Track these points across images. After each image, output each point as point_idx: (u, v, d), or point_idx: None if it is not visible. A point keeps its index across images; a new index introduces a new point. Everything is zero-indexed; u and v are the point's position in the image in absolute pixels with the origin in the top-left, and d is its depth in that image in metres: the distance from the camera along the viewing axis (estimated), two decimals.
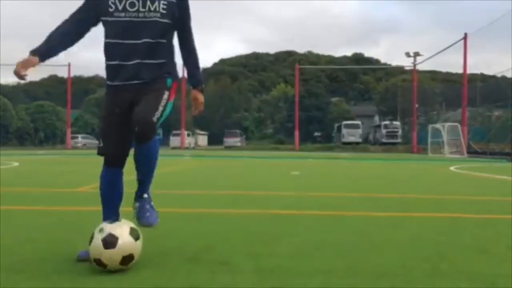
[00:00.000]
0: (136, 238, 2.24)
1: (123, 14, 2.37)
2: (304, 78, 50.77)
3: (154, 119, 2.34)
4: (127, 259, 2.16)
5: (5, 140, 43.37)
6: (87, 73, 79.67)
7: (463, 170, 11.59)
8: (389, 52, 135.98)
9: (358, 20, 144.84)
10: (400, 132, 41.79)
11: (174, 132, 45.12)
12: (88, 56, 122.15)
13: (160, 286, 2.00)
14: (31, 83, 77.71)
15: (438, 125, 28.67)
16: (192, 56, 2.60)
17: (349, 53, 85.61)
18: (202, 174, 9.87)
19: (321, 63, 72.25)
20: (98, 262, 2.14)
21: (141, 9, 2.37)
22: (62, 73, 56.14)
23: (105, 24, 2.43)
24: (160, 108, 2.37)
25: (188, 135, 45.19)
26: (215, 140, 45.43)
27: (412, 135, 34.93)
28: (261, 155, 21.29)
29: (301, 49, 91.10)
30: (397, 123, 43.38)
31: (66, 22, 2.47)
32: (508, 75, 35.06)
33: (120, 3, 2.37)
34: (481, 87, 35.42)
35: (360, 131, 42.72)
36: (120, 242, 2.15)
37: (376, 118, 54.78)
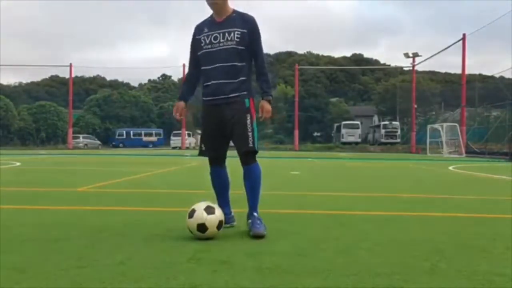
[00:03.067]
0: (219, 228, 2.94)
1: (209, 46, 3.10)
2: (304, 78, 50.84)
3: (251, 145, 3.11)
4: (219, 226, 2.91)
5: (7, 140, 43.41)
6: (88, 73, 79.67)
7: (462, 170, 11.61)
8: (388, 53, 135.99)
9: (357, 21, 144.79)
10: (399, 132, 41.84)
11: (175, 132, 45.14)
12: (90, 57, 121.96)
13: (160, 286, 2.01)
14: (33, 83, 77.74)
15: (437, 125, 28.71)
16: (262, 74, 3.21)
17: (348, 53, 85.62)
18: (202, 174, 9.86)
19: (320, 63, 72.25)
20: (191, 231, 2.90)
21: (221, 40, 3.07)
22: (64, 73, 56.07)
23: (200, 56, 3.17)
24: (250, 135, 3.11)
25: (189, 135, 45.17)
26: None
27: (411, 135, 34.97)
28: (260, 155, 21.26)
29: (300, 49, 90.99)
30: (396, 123, 43.42)
31: (189, 66, 3.34)
32: (507, 75, 35.12)
33: (208, 38, 3.11)
34: (480, 87, 35.46)
35: (359, 131, 42.75)
36: (208, 231, 2.88)
37: (375, 118, 54.83)
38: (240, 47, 3.07)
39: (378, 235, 3.16)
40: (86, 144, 44.13)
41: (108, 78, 79.77)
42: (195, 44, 3.19)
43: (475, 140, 28.75)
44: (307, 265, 2.35)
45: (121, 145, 47.16)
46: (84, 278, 2.09)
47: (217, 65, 3.07)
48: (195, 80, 3.32)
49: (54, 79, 76.77)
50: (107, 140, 50.12)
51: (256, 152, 3.15)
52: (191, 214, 2.89)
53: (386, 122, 44.33)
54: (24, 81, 79.95)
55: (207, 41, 3.10)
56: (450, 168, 12.55)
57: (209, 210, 2.89)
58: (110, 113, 54.41)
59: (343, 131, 41.99)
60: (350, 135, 41.45)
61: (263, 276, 2.16)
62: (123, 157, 19.85)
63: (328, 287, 2.03)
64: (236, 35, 3.05)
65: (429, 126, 29.46)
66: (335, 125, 47.17)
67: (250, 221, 3.10)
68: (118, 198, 5.41)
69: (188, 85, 3.34)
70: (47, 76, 78.94)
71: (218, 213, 2.92)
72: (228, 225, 3.20)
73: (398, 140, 40.44)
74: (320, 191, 6.42)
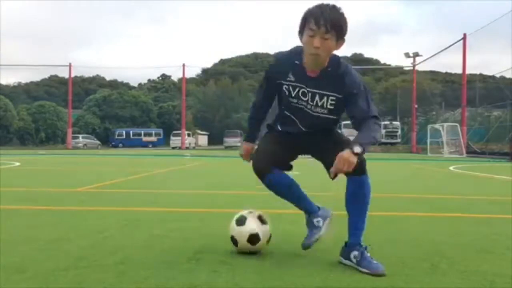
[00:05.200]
0: (266, 223, 2.64)
1: (295, 101, 2.43)
2: None
3: (360, 151, 2.36)
4: (268, 240, 2.60)
5: (6, 140, 43.43)
6: (87, 73, 79.69)
7: (463, 170, 11.60)
8: (388, 53, 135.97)
9: (357, 21, 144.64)
10: (399, 132, 41.82)
11: (175, 132, 45.15)
12: (89, 57, 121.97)
13: (160, 286, 2.00)
14: (32, 83, 77.81)
15: (437, 125, 28.69)
16: (365, 127, 2.49)
17: (348, 53, 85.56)
18: (202, 174, 9.87)
19: None
20: (235, 243, 2.55)
21: (310, 102, 2.40)
22: (63, 73, 56.14)
23: (283, 103, 2.51)
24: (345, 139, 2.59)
25: (189, 135, 45.20)
26: (215, 140, 45.48)
27: (411, 135, 34.96)
28: None
29: None
30: (396, 123, 43.40)
31: (259, 101, 2.65)
32: (507, 75, 35.05)
33: (294, 89, 2.40)
34: (480, 87, 35.46)
35: None
36: (259, 243, 2.55)
37: None
38: (330, 116, 2.49)
39: (378, 235, 3.16)
40: (85, 144, 44.14)
41: (107, 78, 79.78)
42: (275, 85, 2.46)
43: (476, 140, 28.75)
44: (307, 265, 2.35)
45: (120, 145, 47.18)
46: (84, 278, 2.09)
47: (302, 122, 2.51)
48: (263, 115, 2.67)
49: (54, 79, 76.79)
50: (107, 140, 50.14)
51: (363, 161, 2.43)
52: (241, 221, 2.54)
53: (387, 122, 44.29)
54: (23, 81, 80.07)
55: (293, 94, 2.41)
56: (451, 168, 12.54)
57: (262, 220, 2.61)
58: (109, 113, 54.43)
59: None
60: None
61: (263, 276, 2.15)
62: (123, 157, 19.85)
63: (328, 287, 2.03)
64: (330, 101, 2.39)
65: (429, 126, 29.45)
66: None
67: (356, 253, 2.35)
68: (118, 198, 5.41)
69: (257, 122, 2.69)
70: (46, 76, 79.04)
71: (269, 224, 2.64)
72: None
73: (399, 140, 40.43)
74: (320, 191, 6.42)
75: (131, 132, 50.31)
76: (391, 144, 38.41)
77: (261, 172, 2.54)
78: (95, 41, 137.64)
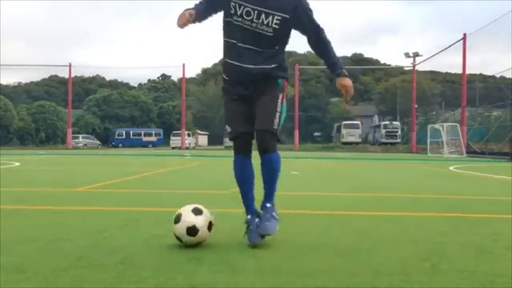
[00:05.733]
0: (210, 229, 2.72)
1: (240, 19, 2.54)
2: (304, 78, 50.78)
3: (275, 126, 2.62)
4: (200, 243, 2.68)
5: (6, 140, 43.41)
6: (87, 73, 79.72)
7: (462, 170, 11.60)
8: (388, 53, 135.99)
9: (357, 21, 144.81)
10: (399, 132, 41.84)
11: (174, 132, 45.17)
12: (89, 57, 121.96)
13: (160, 286, 2.00)
14: (32, 83, 77.81)
15: (437, 125, 28.68)
16: (327, 48, 2.70)
17: (348, 53, 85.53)
18: (202, 174, 9.87)
19: (321, 63, 71.89)
20: (179, 239, 2.67)
21: (254, 20, 2.51)
22: (63, 73, 56.12)
23: (226, 23, 2.63)
24: (277, 114, 2.62)
25: (189, 135, 45.20)
26: (215, 140, 45.48)
27: (411, 135, 34.95)
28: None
29: (301, 49, 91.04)
30: (396, 123, 43.42)
31: (200, 3, 2.67)
32: (507, 75, 35.11)
33: (239, 8, 2.53)
34: (480, 87, 35.45)
35: (359, 131, 42.76)
36: (199, 234, 2.65)
37: (376, 118, 54.83)
38: (277, 35, 2.55)
39: (378, 235, 3.16)
40: (85, 144, 44.16)
41: (107, 78, 79.82)
42: (223, 1, 2.58)
43: (476, 140, 28.75)
44: (307, 265, 2.35)
45: (120, 145, 47.20)
46: (84, 278, 2.09)
47: (247, 46, 2.57)
48: (204, 14, 2.66)
49: (54, 79, 76.79)
50: (107, 140, 50.15)
51: (276, 138, 2.68)
52: (177, 219, 2.67)
53: (387, 122, 44.34)
54: (23, 81, 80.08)
55: (238, 12, 2.52)
56: (451, 168, 12.54)
57: (197, 211, 2.71)
58: (109, 113, 54.42)
59: (343, 131, 41.99)
60: (350, 135, 41.45)
61: (263, 276, 2.15)
62: (123, 157, 19.85)
63: (328, 287, 2.03)
64: (275, 21, 2.50)
65: (429, 126, 29.45)
66: (335, 125, 47.18)
67: (261, 212, 2.77)
68: (118, 198, 5.41)
69: (199, 11, 2.62)
70: (46, 76, 79.05)
71: (207, 213, 2.73)
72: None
73: (399, 140, 40.45)
74: (320, 191, 6.42)
75: (131, 132, 50.32)
76: (391, 144, 38.43)
77: (240, 148, 2.79)
78: (95, 41, 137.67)
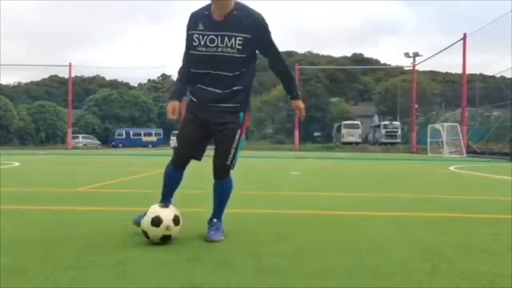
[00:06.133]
0: (177, 224, 2.75)
1: (204, 49, 2.70)
2: (304, 78, 50.76)
3: (228, 162, 2.86)
4: (166, 237, 2.70)
5: (6, 140, 43.39)
6: (88, 73, 79.70)
7: (463, 170, 11.60)
8: (388, 53, 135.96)
9: (358, 21, 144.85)
10: (399, 132, 41.81)
11: (174, 132, 45.07)
12: (89, 57, 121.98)
13: (160, 286, 2.00)
14: (32, 83, 77.81)
15: (437, 125, 28.69)
16: (285, 74, 2.96)
17: (348, 53, 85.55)
18: (202, 174, 9.86)
19: (321, 63, 72.18)
20: (144, 233, 2.72)
21: (219, 45, 2.67)
22: (63, 73, 56.19)
23: (190, 55, 2.79)
24: (233, 151, 2.84)
25: None
26: None
27: (411, 135, 34.94)
28: (261, 155, 21.30)
29: (301, 49, 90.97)
30: (396, 123, 43.39)
31: (182, 62, 2.92)
32: (507, 75, 35.12)
33: (203, 38, 2.69)
34: (480, 87, 35.44)
35: (359, 131, 42.73)
36: (163, 224, 2.68)
37: (376, 118, 54.80)
38: (240, 56, 2.69)
39: (378, 236, 3.16)
40: (85, 144, 44.14)
41: (107, 78, 79.75)
42: (188, 39, 2.77)
43: (476, 140, 28.74)
44: (307, 266, 2.35)
45: (120, 145, 47.17)
46: (84, 278, 2.09)
47: (212, 72, 2.73)
48: (189, 77, 2.93)
49: (54, 78, 76.76)
50: (107, 140, 50.14)
51: (229, 171, 2.93)
52: (144, 213, 2.78)
53: (387, 122, 44.29)
54: (23, 81, 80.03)
55: (202, 43, 2.68)
56: (451, 168, 12.54)
57: (163, 206, 2.83)
58: (109, 113, 54.40)
59: (344, 131, 41.97)
60: (350, 135, 41.43)
61: (263, 276, 2.15)
62: (123, 157, 19.85)
63: (328, 287, 2.02)
64: (237, 42, 2.64)
65: (429, 126, 29.45)
66: (335, 125, 47.14)
67: (208, 225, 3.00)
68: (118, 198, 5.41)
69: (183, 84, 2.91)
70: (46, 76, 79.00)
71: (174, 209, 2.81)
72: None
73: (399, 140, 40.42)
74: (320, 191, 6.42)
75: (131, 132, 50.29)
76: (391, 144, 38.41)
77: (177, 163, 2.98)
78: (95, 41, 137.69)
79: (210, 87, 2.78)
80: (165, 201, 3.02)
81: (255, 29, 2.69)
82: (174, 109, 2.90)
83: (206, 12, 2.70)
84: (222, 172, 2.90)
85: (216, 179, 2.94)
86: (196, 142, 2.92)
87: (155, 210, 2.74)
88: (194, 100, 2.89)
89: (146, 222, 2.70)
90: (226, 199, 3.03)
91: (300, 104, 3.02)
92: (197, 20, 2.72)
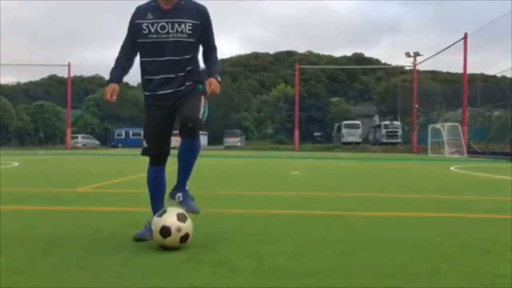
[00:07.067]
0: (185, 220, 2.64)
1: (155, 36, 2.81)
2: (304, 78, 50.76)
3: (200, 116, 2.79)
4: (184, 238, 2.61)
5: (5, 140, 43.37)
6: (87, 73, 79.68)
7: (464, 170, 11.59)
8: (389, 52, 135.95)
9: (358, 20, 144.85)
10: (400, 132, 41.77)
11: (174, 132, 45.06)
12: (88, 56, 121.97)
13: (160, 286, 2.00)
14: (31, 83, 77.80)
15: (438, 125, 28.65)
16: (212, 61, 3.00)
17: (349, 53, 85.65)
18: (202, 174, 9.86)
19: (321, 63, 72.23)
20: (164, 247, 2.61)
21: (170, 31, 2.79)
22: (62, 73, 56.23)
23: (141, 44, 2.87)
24: (202, 108, 2.82)
25: None
26: (215, 140, 45.38)
27: (412, 135, 34.92)
28: (261, 155, 21.30)
29: (301, 49, 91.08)
30: (397, 123, 43.35)
31: (122, 49, 2.99)
32: (508, 75, 35.06)
33: (153, 26, 2.81)
34: (481, 87, 35.42)
35: (360, 131, 42.71)
36: (173, 229, 2.58)
37: (376, 118, 54.80)
38: (190, 40, 2.84)
39: (378, 236, 3.15)
40: (84, 144, 44.11)
41: (107, 78, 79.47)
42: (135, 29, 2.87)
43: (477, 140, 28.70)
44: (307, 265, 2.34)
45: (120, 145, 47.13)
46: (84, 278, 2.09)
47: (165, 58, 2.82)
48: (129, 63, 3.00)
49: (53, 78, 76.69)
50: (106, 140, 50.13)
51: (200, 125, 2.81)
52: (161, 214, 2.67)
53: (387, 122, 44.25)
54: (22, 81, 79.89)
55: (152, 30, 2.81)
56: (452, 168, 12.53)
57: (181, 217, 2.64)
58: (109, 113, 54.40)
59: (344, 131, 41.95)
60: (350, 135, 41.42)
61: (263, 277, 2.15)
62: (123, 157, 19.85)
63: (328, 287, 2.02)
64: (187, 27, 2.81)
65: (430, 126, 29.41)
66: (336, 125, 47.12)
67: (179, 194, 2.88)
68: (118, 198, 5.41)
69: (121, 70, 2.97)
70: (45, 75, 78.90)
71: (189, 223, 2.65)
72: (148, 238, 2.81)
73: (399, 140, 40.38)
74: (320, 191, 6.42)
75: (130, 132, 50.22)
76: (392, 144, 38.37)
77: (153, 159, 2.95)
78: (94, 41, 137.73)
79: (165, 74, 2.84)
80: (156, 210, 2.87)
81: (202, 16, 2.89)
82: (113, 91, 2.91)
83: (153, 4, 2.89)
84: (195, 125, 2.76)
85: (188, 137, 2.78)
86: (164, 135, 2.94)
87: (157, 222, 2.63)
88: (148, 93, 2.92)
89: (158, 239, 2.61)
90: (194, 160, 2.91)
91: (214, 81, 2.87)
92: (145, 10, 2.87)
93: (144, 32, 2.83)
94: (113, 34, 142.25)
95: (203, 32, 2.91)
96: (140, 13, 2.88)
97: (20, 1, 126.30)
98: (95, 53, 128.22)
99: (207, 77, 2.94)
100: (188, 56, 2.87)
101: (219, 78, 2.92)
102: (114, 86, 2.92)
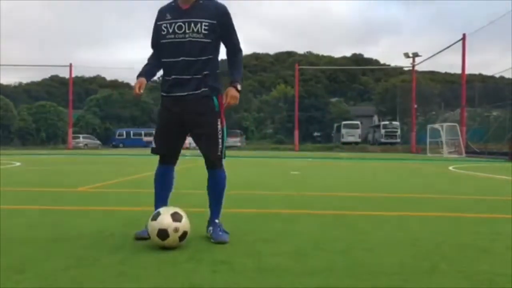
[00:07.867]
0: (180, 219, 2.66)
1: (172, 36, 2.81)
2: (304, 78, 50.80)
3: (219, 152, 2.89)
4: (182, 236, 2.65)
5: (7, 140, 43.39)
6: (88, 73, 79.65)
7: (462, 170, 11.60)
8: (388, 53, 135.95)
9: (357, 21, 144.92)
10: (399, 132, 41.81)
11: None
12: (90, 57, 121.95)
13: (160, 285, 2.00)
14: (33, 83, 77.78)
15: (437, 125, 28.66)
16: (235, 65, 2.97)
17: (348, 53, 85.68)
18: (202, 174, 9.86)
19: (320, 63, 72.23)
20: (164, 247, 2.62)
21: (187, 31, 2.78)
22: (64, 73, 56.05)
23: (161, 45, 2.88)
24: (220, 141, 2.88)
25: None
26: None
27: (411, 135, 34.94)
28: (261, 155, 21.30)
29: (301, 49, 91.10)
30: (396, 123, 43.40)
31: (152, 53, 3.02)
32: (507, 75, 35.08)
33: (171, 26, 2.81)
34: (480, 87, 35.46)
35: (359, 131, 42.76)
36: (170, 230, 2.60)
37: (375, 118, 54.83)
38: (207, 40, 2.79)
39: (378, 235, 3.16)
40: (86, 144, 44.10)
41: (108, 78, 79.62)
42: (157, 30, 2.89)
43: (475, 140, 28.73)
44: (307, 265, 2.35)
45: (121, 145, 47.11)
46: (84, 278, 2.09)
47: (181, 58, 2.80)
48: (158, 64, 3.00)
49: (54, 79, 76.69)
50: (107, 140, 50.11)
51: (221, 160, 2.95)
52: (155, 217, 2.66)
53: (386, 122, 44.30)
54: (24, 81, 79.94)
55: (170, 30, 2.81)
56: (450, 168, 12.54)
57: (176, 217, 2.66)
58: (110, 113, 54.39)
59: (343, 131, 41.99)
60: (350, 135, 41.46)
61: (263, 276, 2.15)
62: (123, 157, 19.84)
63: (328, 287, 2.03)
64: (203, 27, 2.76)
65: (429, 126, 29.42)
66: (335, 125, 47.16)
67: (210, 228, 2.94)
68: (118, 198, 5.41)
69: (150, 67, 3.01)
70: (47, 76, 78.93)
71: (185, 222, 2.68)
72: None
73: (398, 140, 40.42)
74: (320, 191, 6.42)
75: (131, 132, 50.22)
76: (391, 144, 38.41)
77: (162, 159, 3.02)
78: (96, 41, 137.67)
79: (180, 75, 2.83)
80: (158, 207, 2.89)
81: (220, 15, 2.83)
82: (141, 84, 2.93)
83: (173, 4, 2.89)
84: (215, 162, 2.93)
85: (209, 169, 2.96)
86: (174, 137, 2.96)
87: (152, 226, 2.63)
88: (165, 94, 2.96)
89: (157, 241, 2.63)
90: (222, 192, 3.00)
91: (233, 91, 2.87)
92: (165, 12, 2.87)
93: (163, 32, 2.83)
94: (115, 35, 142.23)
95: (222, 32, 2.85)
96: (160, 14, 2.90)
97: (21, 1, 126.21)
98: (97, 53, 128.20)
99: (228, 84, 2.91)
100: (205, 58, 2.82)
101: (239, 87, 2.89)
102: (142, 80, 2.94)
